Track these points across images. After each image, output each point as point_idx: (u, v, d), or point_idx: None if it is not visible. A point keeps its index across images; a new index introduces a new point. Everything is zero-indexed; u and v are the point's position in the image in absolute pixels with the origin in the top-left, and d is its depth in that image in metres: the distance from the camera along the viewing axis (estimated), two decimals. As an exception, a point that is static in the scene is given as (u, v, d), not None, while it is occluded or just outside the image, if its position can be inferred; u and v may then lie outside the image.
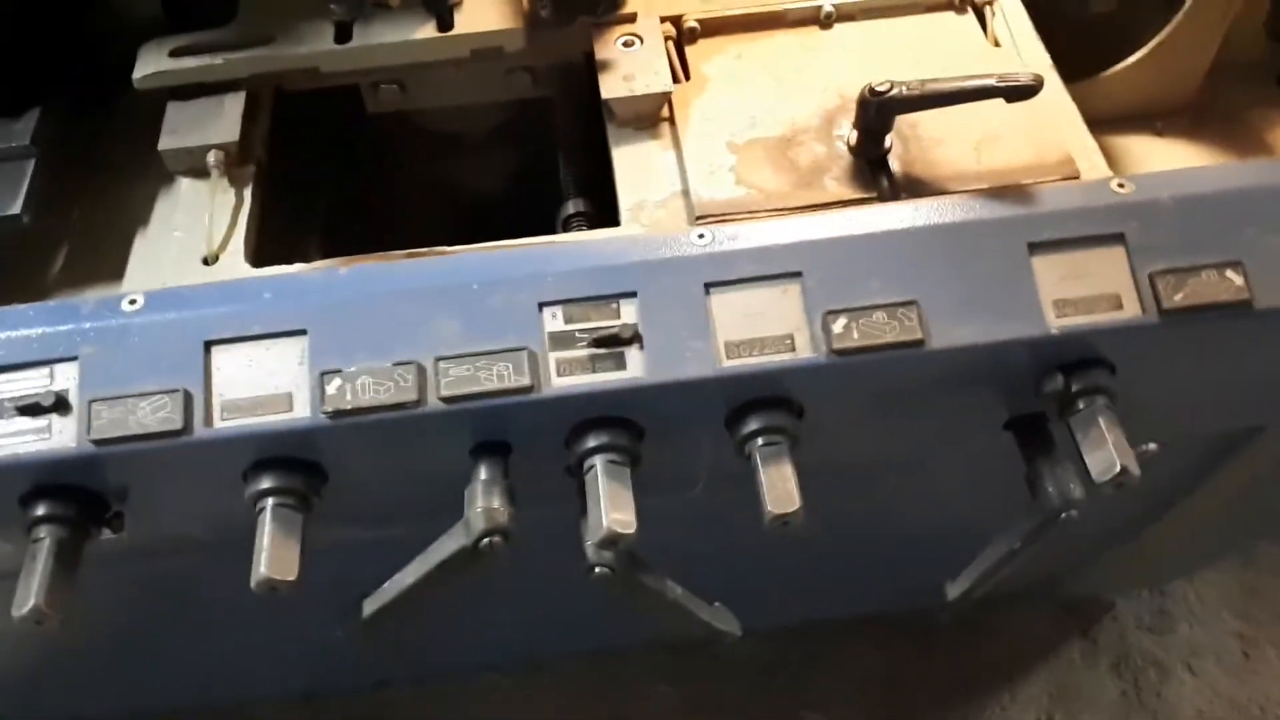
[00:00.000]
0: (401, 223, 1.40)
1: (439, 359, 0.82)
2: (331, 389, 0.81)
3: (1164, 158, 1.33)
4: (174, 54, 1.04)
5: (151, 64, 1.03)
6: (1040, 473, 0.89)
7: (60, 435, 0.81)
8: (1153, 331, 0.84)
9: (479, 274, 0.86)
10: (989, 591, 0.99)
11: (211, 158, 0.98)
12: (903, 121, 0.94)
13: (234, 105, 1.02)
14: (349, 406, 0.80)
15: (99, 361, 0.83)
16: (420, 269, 0.88)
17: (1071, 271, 0.85)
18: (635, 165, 0.99)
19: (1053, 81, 1.00)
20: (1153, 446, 0.98)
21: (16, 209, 0.93)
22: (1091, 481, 0.83)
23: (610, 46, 1.04)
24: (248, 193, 1.00)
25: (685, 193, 0.95)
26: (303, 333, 0.84)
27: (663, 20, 1.06)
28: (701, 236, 0.87)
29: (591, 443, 0.84)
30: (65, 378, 0.83)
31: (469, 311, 0.84)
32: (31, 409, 0.82)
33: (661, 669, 1.87)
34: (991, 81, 0.87)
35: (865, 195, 0.92)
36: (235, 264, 0.94)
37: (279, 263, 0.97)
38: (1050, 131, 0.96)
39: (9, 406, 0.82)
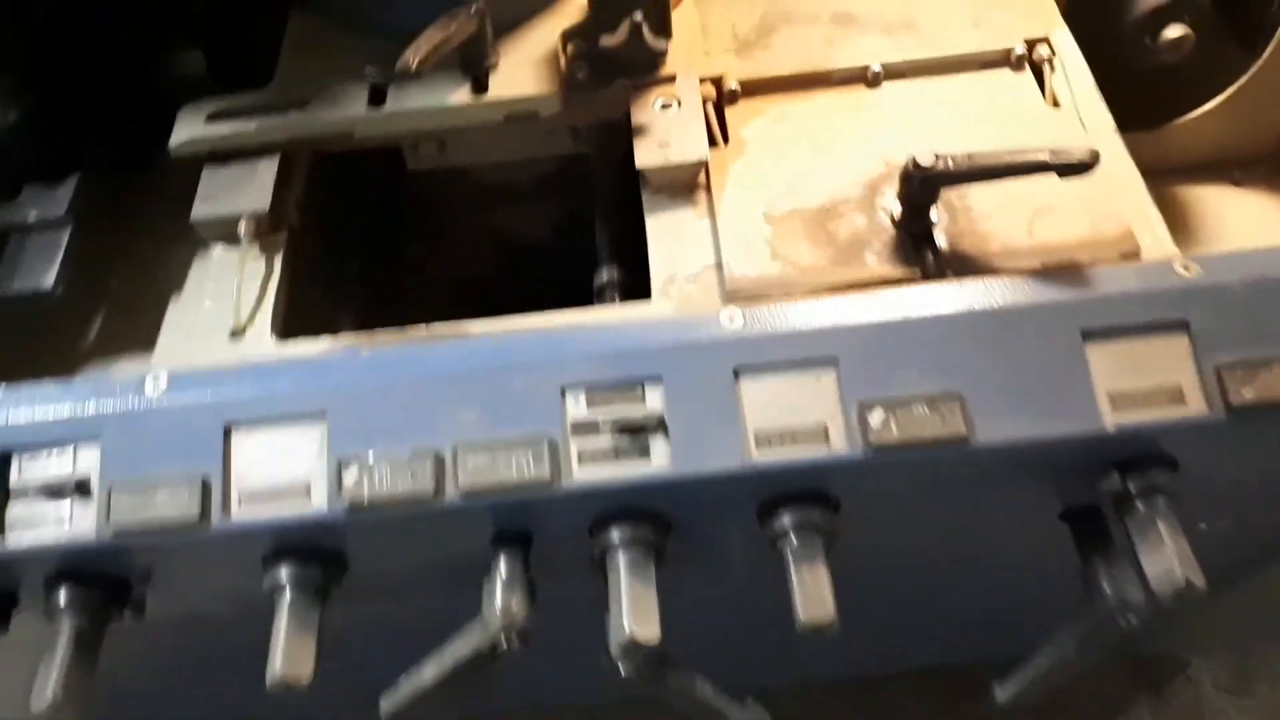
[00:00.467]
0: (439, 274, 1.40)
1: (457, 447, 0.80)
2: (349, 480, 0.79)
3: (1242, 209, 1.26)
4: (211, 119, 1.03)
5: (188, 130, 1.03)
6: (1096, 572, 0.83)
7: (80, 523, 0.81)
8: (1218, 429, 0.77)
9: (500, 357, 0.84)
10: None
11: (242, 226, 0.98)
12: (950, 191, 0.90)
13: (267, 171, 1.01)
14: (366, 499, 0.78)
15: (120, 444, 0.83)
16: (441, 352, 0.86)
17: (1129, 362, 0.79)
18: (669, 235, 0.96)
19: (1114, 148, 0.94)
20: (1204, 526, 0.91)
21: (49, 284, 0.93)
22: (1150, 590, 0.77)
23: (648, 109, 1.00)
24: (278, 261, 0.99)
25: (719, 266, 0.92)
26: (322, 415, 0.82)
27: (703, 81, 1.03)
28: (731, 318, 0.83)
29: (615, 536, 0.81)
30: (88, 460, 0.83)
31: (489, 396, 0.82)
32: (54, 492, 0.82)
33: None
34: (1044, 156, 0.82)
35: (907, 273, 0.87)
36: (261, 337, 0.93)
37: (309, 331, 0.96)
38: (1109, 203, 0.90)
39: (33, 488, 0.82)
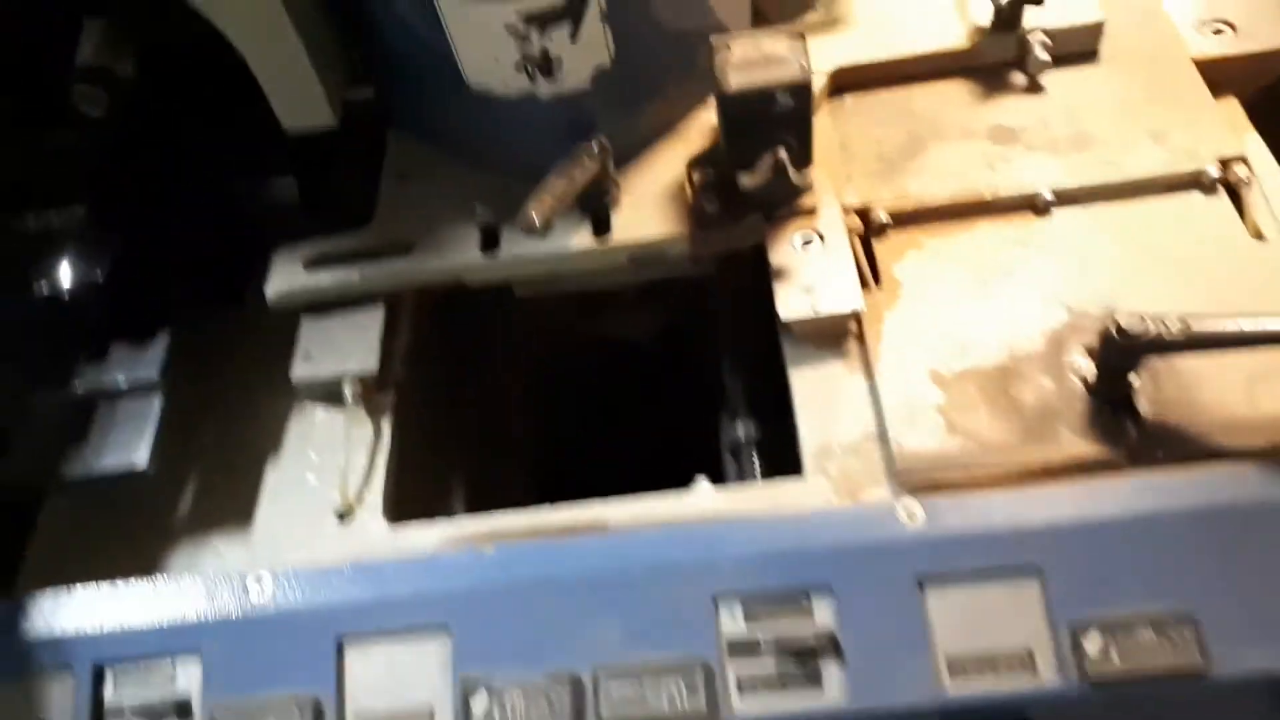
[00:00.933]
0: (543, 408, 1.31)
1: (598, 671, 0.70)
2: (478, 709, 0.70)
3: None
4: (309, 265, 0.95)
5: (285, 279, 0.95)
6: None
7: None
8: None
9: (642, 557, 0.74)
10: None
11: (348, 390, 0.89)
12: (1153, 351, 0.78)
13: (372, 326, 0.93)
14: (511, 736, 0.69)
15: (223, 658, 0.75)
16: (576, 551, 0.76)
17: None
18: (818, 394, 0.85)
19: (1347, 297, 0.81)
20: None
21: (143, 462, 0.85)
22: None
23: (786, 247, 0.90)
24: (385, 426, 0.90)
25: (882, 437, 0.81)
26: (444, 628, 0.73)
27: (846, 212, 0.92)
28: (911, 513, 0.72)
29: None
30: (187, 676, 0.75)
31: (632, 605, 0.72)
32: (153, 715, 0.74)
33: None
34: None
35: (1110, 453, 0.75)
36: (372, 521, 0.84)
37: (420, 500, 0.88)
38: (1347, 365, 0.77)
39: (130, 709, 0.75)
